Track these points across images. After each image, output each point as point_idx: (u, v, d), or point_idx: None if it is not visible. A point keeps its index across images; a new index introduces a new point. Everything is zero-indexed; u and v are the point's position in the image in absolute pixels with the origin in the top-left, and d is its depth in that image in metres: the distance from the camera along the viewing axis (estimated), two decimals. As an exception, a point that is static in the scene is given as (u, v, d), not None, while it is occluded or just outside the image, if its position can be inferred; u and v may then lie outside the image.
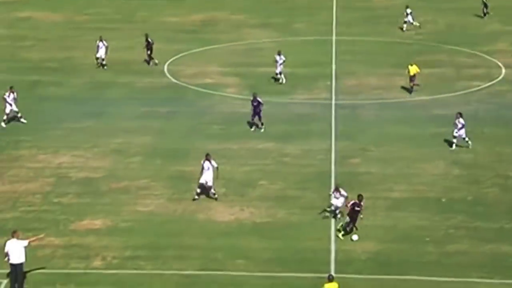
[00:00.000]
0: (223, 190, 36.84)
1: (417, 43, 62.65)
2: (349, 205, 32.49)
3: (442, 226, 33.51)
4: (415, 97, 49.70)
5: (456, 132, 41.19)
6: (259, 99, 44.29)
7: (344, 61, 57.49)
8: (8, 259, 28.83)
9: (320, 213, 34.24)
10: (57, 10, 74.75)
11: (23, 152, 41.78)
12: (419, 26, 65.76)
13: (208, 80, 53.87)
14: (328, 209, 34.17)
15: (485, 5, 69.91)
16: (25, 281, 29.13)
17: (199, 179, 35.89)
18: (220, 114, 47.26)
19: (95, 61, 56.08)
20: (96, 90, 52.10)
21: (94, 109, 48.16)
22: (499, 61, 56.81)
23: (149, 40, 56.56)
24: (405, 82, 51.67)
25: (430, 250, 31.65)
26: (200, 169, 35.93)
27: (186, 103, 49.45)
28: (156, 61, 56.78)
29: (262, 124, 44.44)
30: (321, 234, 32.70)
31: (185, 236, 32.94)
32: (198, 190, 35.92)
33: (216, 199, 35.72)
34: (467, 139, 41.33)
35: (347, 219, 32.46)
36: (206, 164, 35.77)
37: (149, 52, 56.74)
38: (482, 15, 69.87)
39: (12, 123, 45.69)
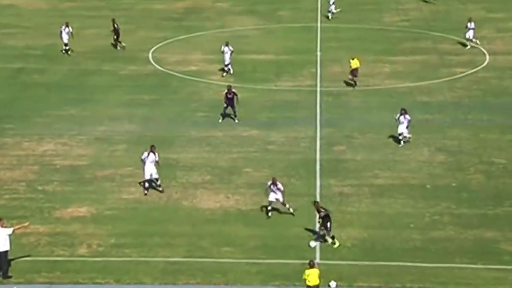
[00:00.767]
0: (208, 177, 36.86)
1: (401, 30, 62.70)
2: (318, 216, 31.16)
3: (427, 213, 33.63)
4: (399, 84, 49.77)
5: (406, 128, 39.98)
6: (233, 90, 43.93)
7: (329, 48, 57.50)
8: (-7, 247, 28.76)
9: (263, 211, 33.61)
10: (40, -3, 74.46)
11: (6, 140, 41.61)
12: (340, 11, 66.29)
13: (193, 68, 53.76)
14: (269, 207, 33.30)
15: None
16: (10, 269, 29.08)
17: (143, 175, 35.30)
18: (205, 101, 47.20)
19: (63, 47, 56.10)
20: (80, 78, 51.90)
21: (79, 96, 48.01)
22: (483, 48, 56.93)
23: (115, 25, 57.21)
24: (390, 69, 51.74)
25: (415, 237, 31.76)
26: (143, 163, 35.34)
27: (171, 91, 49.35)
28: (123, 44, 57.18)
29: (235, 115, 43.71)
30: (306, 221, 32.75)
31: (170, 224, 32.94)
32: (147, 185, 35.42)
33: (161, 191, 35.34)
34: (409, 135, 40.46)
35: (322, 228, 31.06)
36: (151, 156, 35.26)
37: (115, 36, 57.46)
38: None
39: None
